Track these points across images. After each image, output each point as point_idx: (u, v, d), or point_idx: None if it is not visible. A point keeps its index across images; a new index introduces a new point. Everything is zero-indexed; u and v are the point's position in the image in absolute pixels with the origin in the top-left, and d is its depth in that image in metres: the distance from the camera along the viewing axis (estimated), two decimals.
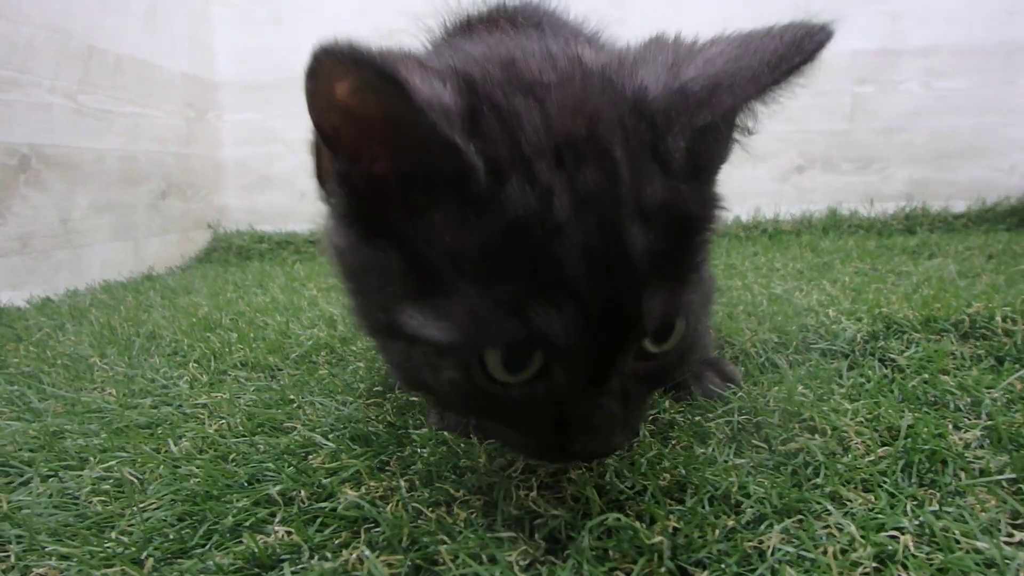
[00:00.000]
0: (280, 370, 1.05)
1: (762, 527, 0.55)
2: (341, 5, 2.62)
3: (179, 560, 0.55)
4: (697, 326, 0.56)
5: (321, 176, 0.55)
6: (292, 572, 0.51)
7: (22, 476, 0.71)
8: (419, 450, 0.71)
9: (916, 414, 0.74)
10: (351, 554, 0.52)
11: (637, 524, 0.54)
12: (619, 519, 0.55)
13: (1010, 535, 0.53)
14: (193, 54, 2.51)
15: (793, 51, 0.47)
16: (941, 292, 1.25)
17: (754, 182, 2.49)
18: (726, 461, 0.67)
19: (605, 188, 0.47)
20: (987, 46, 2.34)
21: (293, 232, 2.59)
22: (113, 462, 0.72)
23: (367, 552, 0.51)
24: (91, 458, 0.74)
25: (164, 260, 2.33)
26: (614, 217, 0.47)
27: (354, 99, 0.45)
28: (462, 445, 0.71)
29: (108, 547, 0.56)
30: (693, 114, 0.49)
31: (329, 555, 0.53)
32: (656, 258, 0.48)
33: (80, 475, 0.70)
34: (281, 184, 2.69)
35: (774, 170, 2.50)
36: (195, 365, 1.07)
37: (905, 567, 0.50)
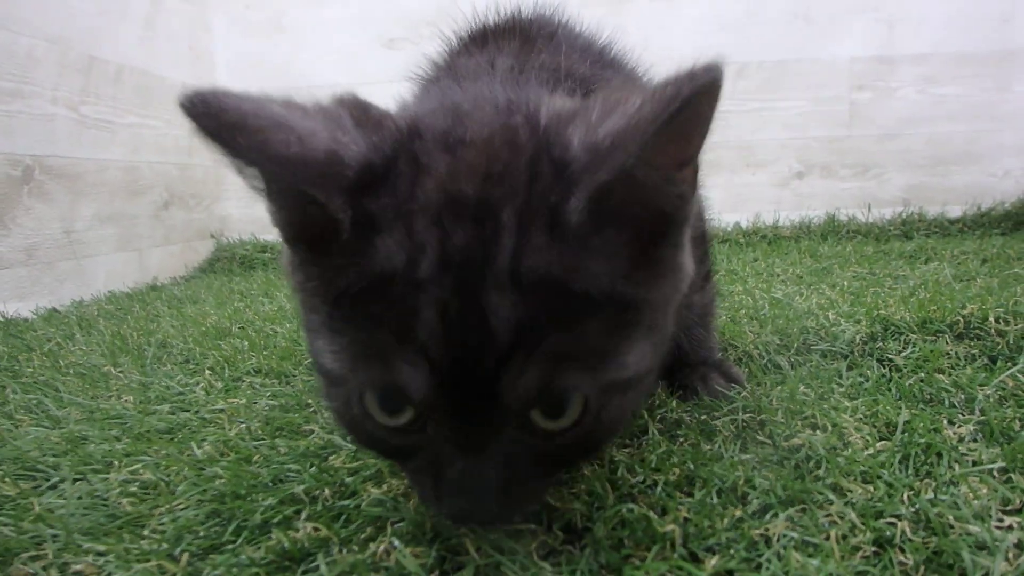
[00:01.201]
0: (293, 376, 1.08)
1: (768, 516, 0.58)
2: (341, 14, 2.65)
3: (211, 555, 0.57)
4: (613, 411, 0.52)
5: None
6: (324, 564, 0.54)
7: (48, 480, 0.74)
8: None
9: (913, 410, 0.77)
10: (379, 546, 0.54)
11: (651, 514, 0.56)
12: (632, 510, 0.57)
13: (1000, 520, 0.56)
14: (193, 63, 2.53)
15: (673, 100, 0.42)
16: (937, 295, 1.28)
17: (753, 188, 2.53)
18: (732, 456, 0.70)
19: (475, 251, 0.46)
20: (981, 53, 2.39)
21: None
22: (138, 465, 0.75)
23: (396, 542, 0.54)
24: (116, 462, 0.77)
25: (168, 270, 2.35)
26: (477, 281, 0.46)
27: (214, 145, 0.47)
28: None
29: (141, 544, 0.58)
30: (593, 173, 0.45)
31: (356, 548, 0.56)
32: (528, 330, 0.46)
33: (107, 478, 0.72)
34: None
35: (773, 176, 2.53)
36: (210, 372, 1.09)
37: (902, 550, 0.53)
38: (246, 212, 2.72)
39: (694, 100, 0.42)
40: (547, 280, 0.46)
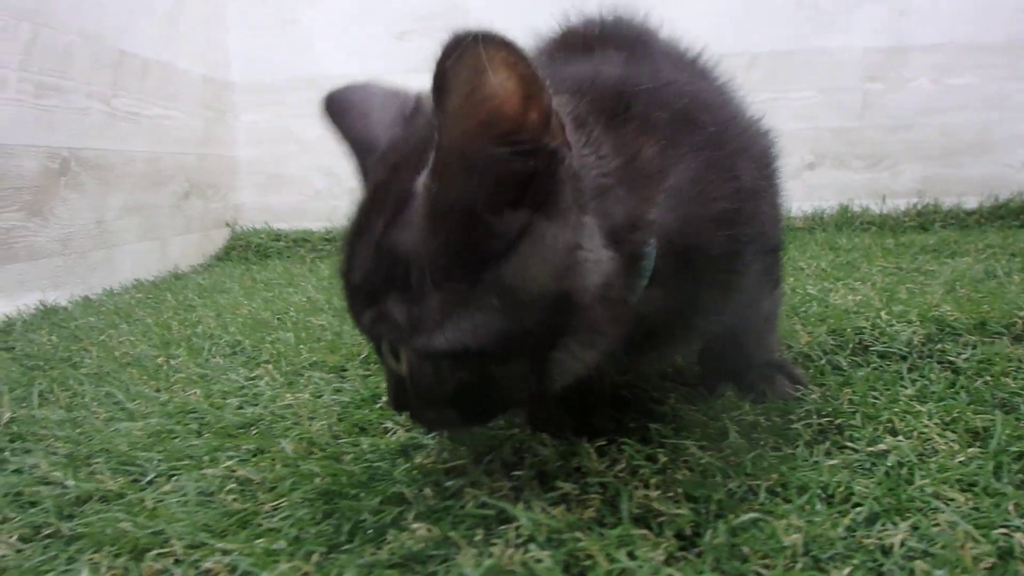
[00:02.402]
0: (345, 370, 1.08)
1: (878, 525, 0.59)
2: (351, 6, 2.65)
3: (332, 555, 0.58)
4: (427, 373, 0.60)
5: None
6: (447, 567, 0.55)
7: (144, 475, 0.75)
8: (536, 450, 0.75)
9: (990, 416, 0.78)
10: (505, 549, 0.55)
11: (771, 520, 0.57)
12: (751, 517, 0.58)
13: None
14: (210, 56, 2.54)
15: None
16: (975, 292, 1.30)
17: None
18: (816, 461, 0.71)
19: (359, 222, 0.62)
20: (995, 43, 2.39)
21: (308, 230, 2.63)
22: (230, 462, 0.75)
23: (532, 546, 0.55)
24: (204, 457, 0.77)
25: (187, 259, 2.36)
26: (356, 235, 0.62)
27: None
28: (567, 445, 0.75)
29: (259, 543, 0.59)
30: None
31: (475, 550, 0.57)
32: (372, 283, 0.59)
33: (204, 474, 0.73)
34: (295, 183, 2.73)
35: (785, 167, 2.53)
36: (269, 366, 1.10)
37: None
38: (259, 200, 2.72)
39: (447, 66, 0.47)
40: (394, 252, 0.57)
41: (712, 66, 0.87)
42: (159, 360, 1.17)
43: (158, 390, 1.02)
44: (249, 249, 2.56)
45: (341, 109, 0.72)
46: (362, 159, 0.69)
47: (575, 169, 0.56)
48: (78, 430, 0.88)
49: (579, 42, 0.80)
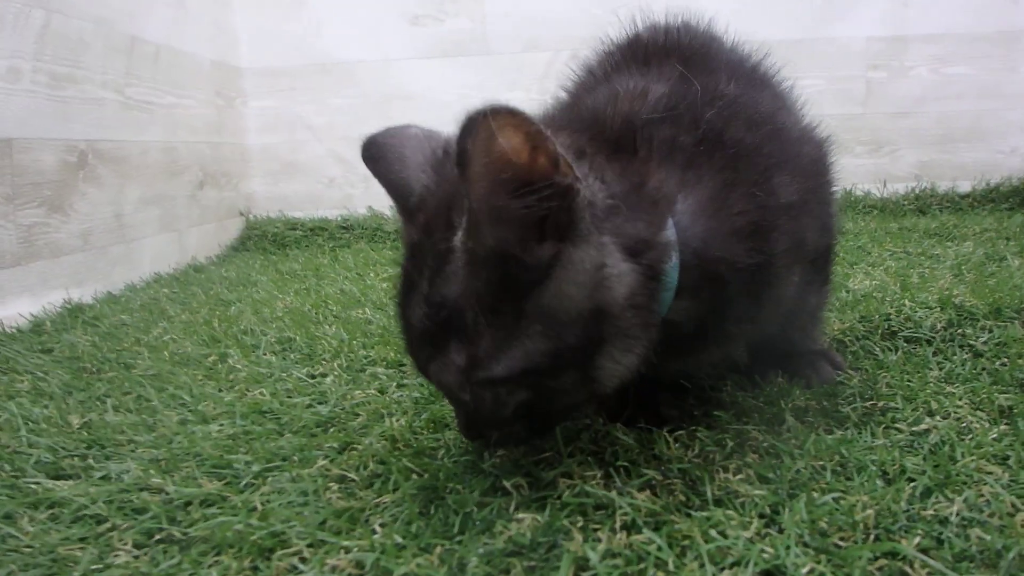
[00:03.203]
0: (404, 365, 1.13)
1: (932, 498, 0.65)
2: None
3: (451, 547, 0.63)
4: (485, 400, 0.69)
5: None
6: (558, 552, 0.60)
7: (239, 478, 0.78)
8: (614, 439, 0.80)
9: (1012, 396, 0.86)
10: (612, 535, 0.61)
11: (849, 499, 0.64)
12: (829, 498, 0.65)
13: None
14: (219, 40, 2.52)
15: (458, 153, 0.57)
16: (980, 276, 1.37)
17: None
18: (867, 442, 0.78)
19: (410, 277, 0.69)
20: (990, 33, 2.48)
21: (325, 218, 2.64)
22: (321, 461, 0.80)
23: (636, 531, 0.61)
24: (294, 457, 0.82)
25: (204, 250, 2.37)
26: (409, 291, 0.69)
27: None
28: (642, 433, 0.80)
29: (375, 539, 0.64)
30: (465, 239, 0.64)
31: (584, 537, 0.62)
32: (428, 336, 0.67)
33: (298, 474, 0.77)
34: (308, 170, 2.73)
35: None
36: (328, 363, 1.14)
37: None
38: (271, 190, 2.74)
39: (466, 143, 0.55)
40: (443, 304, 0.65)
41: (773, 72, 0.91)
42: (211, 359, 1.20)
43: (220, 390, 1.06)
44: (266, 239, 2.58)
45: (379, 154, 0.76)
46: (400, 202, 0.75)
47: (589, 198, 0.64)
48: (154, 434, 0.91)
49: (640, 54, 0.85)
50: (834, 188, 0.92)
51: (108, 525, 0.70)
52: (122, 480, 0.79)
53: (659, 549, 0.59)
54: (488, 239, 0.62)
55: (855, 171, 2.57)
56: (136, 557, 0.65)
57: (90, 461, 0.85)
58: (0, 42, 1.56)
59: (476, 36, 2.59)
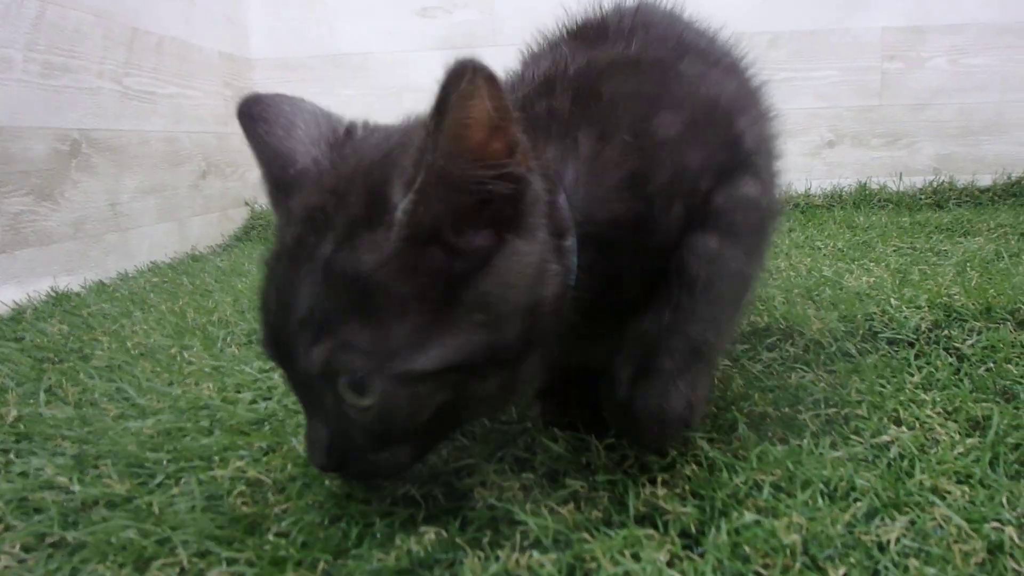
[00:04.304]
0: None
1: (876, 520, 0.60)
2: None
3: (339, 560, 0.59)
4: (411, 400, 0.57)
5: None
6: (453, 571, 0.56)
7: (154, 477, 0.75)
8: (539, 447, 0.75)
9: (990, 405, 0.79)
10: (511, 554, 0.56)
11: (771, 521, 0.58)
12: (753, 517, 0.59)
13: None
14: (229, 32, 2.52)
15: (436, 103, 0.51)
16: (986, 275, 1.29)
17: (785, 157, 2.52)
18: (821, 454, 0.72)
19: (300, 245, 0.57)
20: (1011, 24, 2.40)
21: None
22: (240, 463, 0.76)
23: (535, 553, 0.56)
24: (215, 457, 0.78)
25: (206, 240, 2.36)
26: (294, 262, 0.57)
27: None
28: (578, 440, 0.75)
29: (267, 550, 0.60)
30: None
31: (482, 554, 0.58)
32: (318, 312, 0.55)
33: (213, 476, 0.74)
34: None
35: (804, 145, 2.54)
36: None
37: (1013, 557, 0.54)
38: None
39: (449, 90, 0.50)
40: (351, 275, 0.55)
41: (725, 48, 0.86)
42: (172, 351, 1.18)
43: (171, 383, 1.03)
44: (269, 229, 2.57)
45: (263, 115, 0.66)
46: (276, 170, 0.64)
47: (538, 191, 0.58)
48: (87, 429, 0.88)
49: (577, 33, 0.81)
50: (770, 136, 0.86)
51: (2, 526, 0.67)
52: (28, 478, 0.76)
53: (559, 571, 0.55)
54: (432, 208, 0.54)
55: (870, 164, 2.50)
56: (21, 562, 0.62)
57: (11, 456, 0.82)
58: None
59: (485, 28, 2.56)
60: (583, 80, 0.70)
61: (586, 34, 0.80)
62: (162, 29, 2.14)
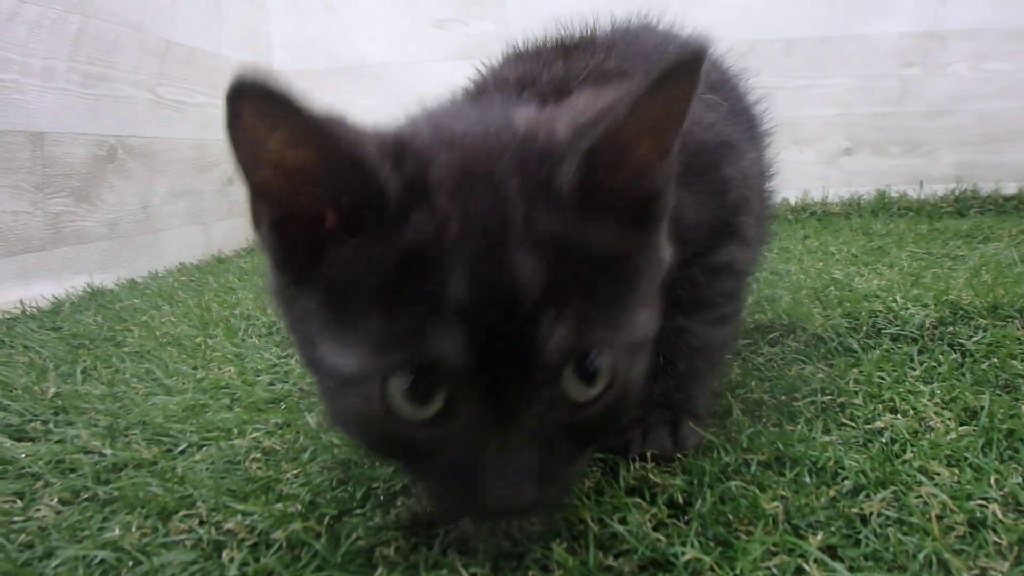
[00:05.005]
0: None
1: (861, 496, 0.62)
2: None
3: (344, 519, 0.62)
4: (634, 375, 0.54)
5: (256, 223, 0.55)
6: (448, 528, 0.59)
7: (177, 445, 0.80)
8: None
9: (990, 396, 0.80)
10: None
11: (754, 490, 0.61)
12: (731, 487, 0.61)
13: None
14: (252, 44, 2.62)
15: (653, 75, 0.46)
16: (1000, 277, 1.30)
17: (801, 165, 2.53)
18: (814, 438, 0.74)
19: (494, 216, 0.48)
20: None
21: None
22: (256, 434, 0.81)
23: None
24: (234, 429, 0.83)
25: (231, 243, 2.44)
26: (500, 243, 0.48)
27: (288, 151, 0.48)
28: None
29: (277, 507, 0.64)
30: (578, 143, 0.49)
31: None
32: (554, 287, 0.48)
33: (232, 444, 0.78)
34: None
35: (821, 153, 2.54)
36: None
37: (995, 531, 0.56)
38: None
39: (673, 73, 0.46)
40: (557, 242, 0.49)
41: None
42: (197, 340, 1.23)
43: (195, 367, 1.08)
44: None
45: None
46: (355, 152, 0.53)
47: None
48: (118, 404, 0.94)
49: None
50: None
51: (42, 482, 0.72)
52: (65, 444, 0.81)
53: (549, 531, 0.57)
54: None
55: (889, 172, 2.49)
56: (58, 513, 0.67)
57: (50, 426, 0.88)
58: (38, 44, 1.66)
59: (499, 38, 2.59)
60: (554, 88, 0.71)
61: (569, 45, 0.83)
62: (192, 41, 2.24)
